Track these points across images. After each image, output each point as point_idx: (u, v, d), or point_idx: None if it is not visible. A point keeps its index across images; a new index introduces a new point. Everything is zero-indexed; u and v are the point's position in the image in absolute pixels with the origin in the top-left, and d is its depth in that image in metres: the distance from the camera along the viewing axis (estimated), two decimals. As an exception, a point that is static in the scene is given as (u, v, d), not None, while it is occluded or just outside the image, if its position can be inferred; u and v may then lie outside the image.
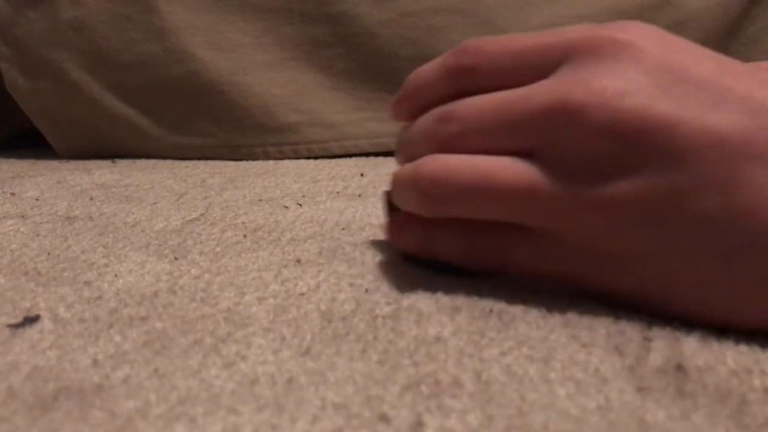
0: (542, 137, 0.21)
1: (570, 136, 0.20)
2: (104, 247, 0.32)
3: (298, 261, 0.29)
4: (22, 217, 0.41)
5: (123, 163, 0.71)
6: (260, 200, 0.43)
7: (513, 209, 0.21)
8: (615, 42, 0.20)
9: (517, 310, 0.22)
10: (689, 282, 0.20)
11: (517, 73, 0.22)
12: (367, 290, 0.25)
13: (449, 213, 0.23)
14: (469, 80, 0.23)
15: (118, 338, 0.21)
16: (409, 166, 0.23)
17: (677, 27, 0.66)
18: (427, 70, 0.25)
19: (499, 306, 0.23)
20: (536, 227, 0.22)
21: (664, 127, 0.18)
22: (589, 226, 0.20)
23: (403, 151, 0.25)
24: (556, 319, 0.21)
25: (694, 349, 0.19)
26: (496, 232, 0.23)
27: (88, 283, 0.27)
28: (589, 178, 0.20)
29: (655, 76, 0.19)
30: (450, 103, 0.23)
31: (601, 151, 0.19)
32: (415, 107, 0.25)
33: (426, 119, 0.24)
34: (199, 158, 0.73)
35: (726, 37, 0.66)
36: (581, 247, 0.21)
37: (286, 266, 0.28)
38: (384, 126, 0.65)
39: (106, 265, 0.29)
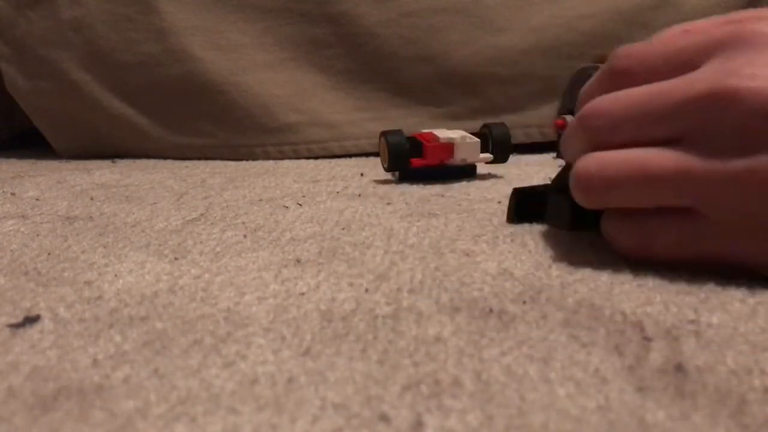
0: (695, 121, 0.23)
1: (723, 119, 0.22)
2: (104, 247, 0.32)
3: (298, 261, 0.29)
4: (23, 217, 0.41)
5: (123, 163, 0.71)
6: (260, 200, 0.43)
7: (665, 194, 0.24)
8: (759, 34, 0.22)
9: (517, 310, 0.22)
10: None
11: (668, 70, 0.24)
12: (367, 290, 0.25)
13: (607, 204, 0.26)
14: (625, 81, 0.25)
15: (118, 338, 0.21)
16: (577, 162, 0.26)
17: (677, 27, 0.66)
18: (591, 82, 0.28)
19: (499, 306, 0.23)
20: (686, 210, 0.24)
21: None
22: (738, 201, 0.22)
23: (564, 149, 0.28)
24: (556, 319, 0.21)
25: (693, 349, 0.19)
26: (644, 218, 0.25)
27: (88, 283, 0.27)
28: (739, 155, 0.22)
29: None
30: (595, 99, 0.26)
31: (751, 129, 0.21)
32: None
33: (576, 117, 0.26)
34: (199, 158, 0.73)
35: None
36: (728, 223, 0.23)
37: (286, 266, 0.28)
38: (384, 126, 0.65)
39: (107, 265, 0.29)
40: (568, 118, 0.33)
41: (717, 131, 0.22)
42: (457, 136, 0.47)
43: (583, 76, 0.40)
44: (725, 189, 0.22)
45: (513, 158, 0.52)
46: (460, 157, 0.47)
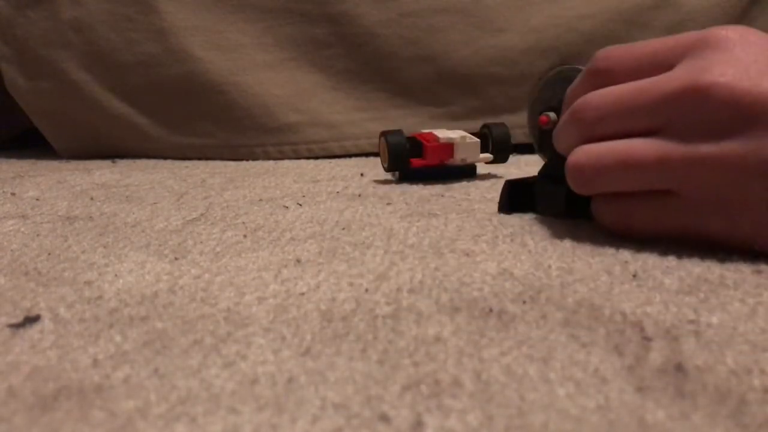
0: (673, 114, 0.26)
1: (698, 110, 0.25)
2: (104, 247, 0.32)
3: (298, 261, 0.29)
4: (23, 217, 0.41)
5: (123, 163, 0.71)
6: (260, 200, 0.43)
7: (647, 179, 0.27)
8: (726, 38, 0.26)
9: (517, 309, 0.22)
10: None
11: (644, 70, 0.28)
12: (367, 290, 0.25)
13: (598, 190, 0.29)
14: (606, 80, 0.29)
15: (118, 338, 0.21)
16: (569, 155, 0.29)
17: (676, 27, 0.66)
18: (576, 82, 0.32)
19: (499, 306, 0.23)
20: (664, 191, 0.27)
21: (766, 100, 0.24)
22: (709, 182, 0.26)
23: (557, 140, 0.32)
24: (555, 319, 0.21)
25: (693, 348, 0.19)
26: (628, 199, 0.29)
27: (88, 283, 0.27)
28: (711, 141, 0.25)
29: (760, 61, 0.25)
30: (585, 95, 0.29)
31: (723, 119, 0.25)
32: None
33: (567, 113, 0.30)
34: (199, 158, 0.73)
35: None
36: (701, 201, 0.26)
37: (286, 266, 0.28)
38: (384, 126, 0.65)
39: (107, 265, 0.29)
40: (551, 114, 0.36)
41: (692, 121, 0.26)
42: (457, 136, 0.47)
43: (561, 76, 0.42)
44: (699, 171, 0.26)
45: (513, 158, 0.52)
46: (460, 157, 0.47)
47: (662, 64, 0.28)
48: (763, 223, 0.26)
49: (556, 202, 0.34)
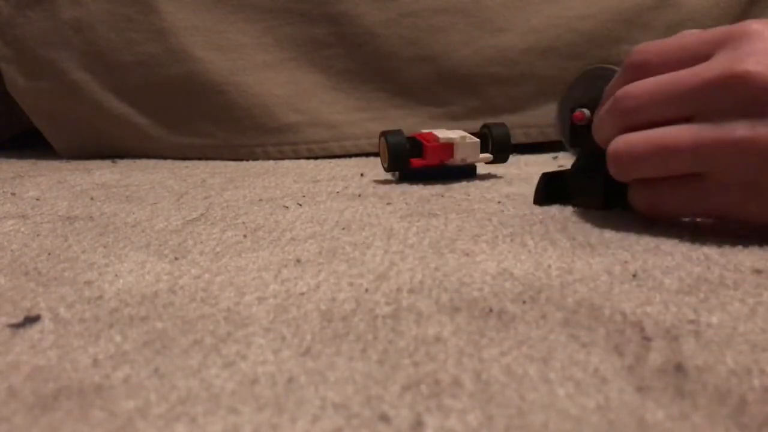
0: (709, 101, 0.28)
1: (733, 96, 0.27)
2: (105, 247, 0.32)
3: (298, 261, 0.29)
4: (23, 217, 0.41)
5: (123, 163, 0.71)
6: (260, 200, 0.43)
7: (681, 163, 0.29)
8: (754, 30, 0.28)
9: (517, 309, 0.22)
10: None
11: (680, 62, 0.30)
12: (367, 290, 0.25)
13: (635, 176, 0.31)
14: (643, 72, 0.31)
15: (118, 338, 0.21)
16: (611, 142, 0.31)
17: (676, 27, 0.66)
18: (615, 78, 0.33)
19: (499, 306, 0.23)
20: (695, 175, 0.29)
21: None
22: (741, 163, 0.27)
23: (597, 132, 0.33)
24: (555, 319, 0.21)
25: (693, 348, 0.19)
26: (663, 184, 0.31)
27: (88, 283, 0.27)
28: (745, 125, 0.27)
29: None
30: (627, 85, 0.31)
31: (757, 104, 0.27)
32: None
33: (608, 103, 0.32)
34: (199, 158, 0.73)
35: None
36: (734, 183, 0.28)
37: (286, 266, 0.28)
38: (384, 126, 0.65)
39: (107, 265, 0.29)
40: (586, 111, 0.38)
41: (727, 107, 0.27)
42: (456, 136, 0.47)
43: (593, 74, 0.46)
44: (732, 154, 0.27)
45: (513, 158, 0.52)
46: (459, 157, 0.47)
47: (697, 56, 0.29)
48: None
49: (594, 193, 0.36)
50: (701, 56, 0.29)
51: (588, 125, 0.36)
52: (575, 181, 0.38)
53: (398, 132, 0.48)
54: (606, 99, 0.34)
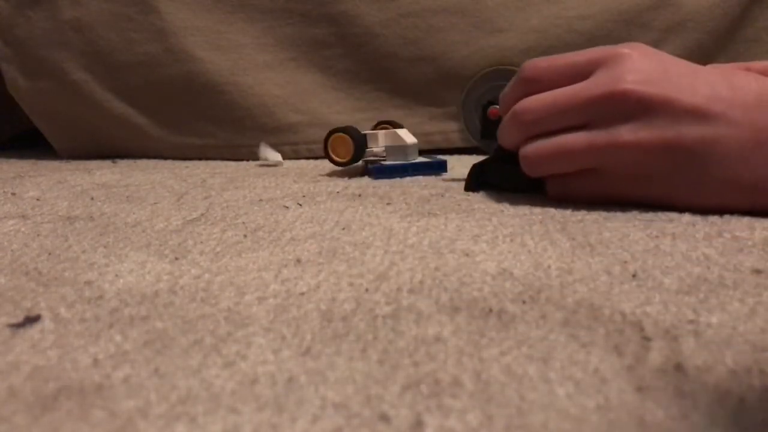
0: (595, 112, 0.35)
1: (615, 109, 0.34)
2: (105, 247, 0.32)
3: (298, 261, 0.29)
4: (23, 217, 0.41)
5: (123, 164, 0.71)
6: (260, 200, 0.43)
7: (580, 162, 0.36)
8: (629, 54, 0.35)
9: (517, 309, 0.22)
10: (686, 189, 0.35)
11: (567, 78, 0.36)
12: (367, 290, 0.25)
13: (544, 173, 0.38)
14: (534, 87, 0.37)
15: (118, 338, 0.21)
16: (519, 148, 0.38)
17: (677, 27, 0.66)
18: (507, 88, 0.40)
19: (499, 306, 0.23)
20: (592, 170, 0.36)
21: (663, 100, 0.33)
22: (629, 159, 0.35)
23: (502, 137, 0.40)
24: (555, 319, 0.21)
25: (693, 348, 0.19)
26: (571, 176, 0.38)
27: (88, 282, 0.27)
28: (626, 130, 0.34)
29: (657, 70, 0.34)
30: (522, 100, 0.38)
31: (633, 114, 0.34)
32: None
33: (509, 115, 0.38)
34: (199, 158, 0.73)
35: (726, 37, 0.66)
36: (620, 175, 0.36)
37: (286, 266, 0.28)
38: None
39: (107, 265, 0.29)
40: (497, 107, 0.44)
41: (611, 117, 0.34)
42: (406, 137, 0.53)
43: (494, 75, 0.53)
44: (618, 153, 0.35)
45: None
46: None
47: (580, 73, 0.36)
48: (666, 187, 0.35)
49: (516, 179, 0.41)
50: (584, 73, 0.36)
51: (500, 120, 0.41)
52: (498, 170, 0.44)
53: (354, 128, 0.53)
54: (502, 106, 0.41)
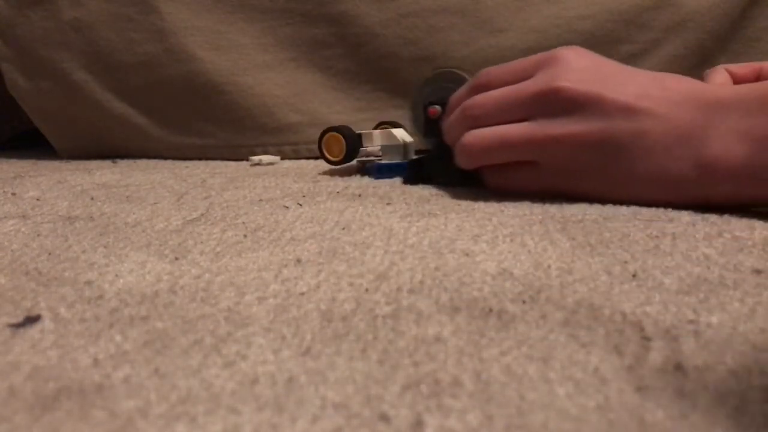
0: (535, 108, 0.38)
1: (552, 104, 0.37)
2: (105, 247, 0.32)
3: (298, 261, 0.29)
4: (23, 217, 0.41)
5: (124, 164, 0.71)
6: (260, 200, 0.43)
7: (519, 153, 0.39)
8: (566, 56, 0.38)
9: (517, 309, 0.22)
10: (616, 184, 0.37)
11: (513, 81, 0.39)
12: (367, 290, 0.25)
13: (482, 164, 0.40)
14: (485, 90, 0.40)
15: (118, 338, 0.21)
16: (459, 139, 0.41)
17: (677, 27, 0.66)
18: (460, 91, 0.43)
19: (499, 306, 0.23)
20: (532, 162, 0.39)
21: (594, 97, 0.36)
22: (562, 152, 0.37)
23: (448, 132, 0.43)
24: (555, 319, 0.21)
25: (693, 348, 0.19)
26: (509, 167, 0.40)
27: (88, 282, 0.27)
28: (560, 125, 0.37)
29: (589, 70, 0.37)
30: (470, 98, 0.41)
31: (567, 110, 0.37)
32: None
33: (458, 111, 0.41)
34: (199, 158, 0.73)
35: (726, 37, 0.66)
36: (558, 167, 0.38)
37: (286, 266, 0.28)
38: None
39: (107, 265, 0.29)
40: (438, 107, 0.47)
41: (549, 112, 0.37)
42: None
43: (443, 77, 0.55)
44: (554, 146, 0.37)
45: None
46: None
47: (524, 76, 0.39)
48: (598, 181, 0.37)
49: (451, 174, 0.45)
50: (526, 76, 0.39)
51: (439, 119, 0.46)
52: (434, 165, 0.47)
53: (348, 126, 0.54)
54: (451, 108, 0.43)
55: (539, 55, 0.39)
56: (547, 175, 0.38)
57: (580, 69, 0.37)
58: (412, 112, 0.61)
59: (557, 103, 0.37)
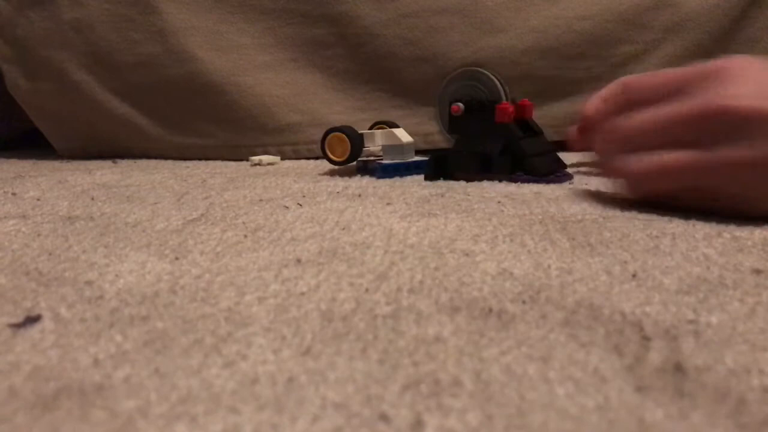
0: (696, 130, 0.33)
1: (717, 126, 0.32)
2: (105, 247, 0.32)
3: (298, 261, 0.29)
4: (24, 217, 0.41)
5: (124, 164, 0.71)
6: (261, 200, 0.43)
7: (689, 179, 0.34)
8: (727, 68, 0.34)
9: (517, 309, 0.22)
10: None
11: (665, 94, 0.35)
12: (367, 290, 0.25)
13: (652, 191, 0.37)
14: (628, 104, 0.37)
15: (119, 338, 0.21)
16: (618, 165, 0.37)
17: (677, 28, 0.66)
18: (600, 95, 0.41)
19: (499, 306, 0.23)
20: (695, 186, 0.35)
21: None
22: (739, 182, 0.33)
23: (600, 152, 0.39)
24: (555, 319, 0.21)
25: (692, 348, 0.19)
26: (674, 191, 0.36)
27: (89, 282, 0.27)
28: (726, 150, 0.32)
29: (758, 86, 0.32)
30: (618, 118, 0.37)
31: (736, 132, 0.32)
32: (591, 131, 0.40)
33: (611, 131, 0.37)
34: (199, 158, 0.73)
35: (725, 38, 0.66)
36: (733, 193, 0.34)
37: (286, 266, 0.28)
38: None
39: (107, 265, 0.29)
40: (461, 105, 0.49)
41: (712, 135, 0.33)
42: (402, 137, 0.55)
43: (466, 75, 0.56)
44: (729, 174, 0.33)
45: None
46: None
47: (680, 90, 0.35)
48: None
49: (472, 167, 0.47)
50: (684, 91, 0.34)
51: (462, 116, 0.48)
52: (457, 159, 0.49)
53: (350, 127, 0.54)
54: (587, 120, 0.41)
55: (696, 68, 0.35)
56: (720, 199, 0.35)
57: (745, 84, 0.33)
58: (438, 109, 0.63)
59: (726, 124, 0.32)
